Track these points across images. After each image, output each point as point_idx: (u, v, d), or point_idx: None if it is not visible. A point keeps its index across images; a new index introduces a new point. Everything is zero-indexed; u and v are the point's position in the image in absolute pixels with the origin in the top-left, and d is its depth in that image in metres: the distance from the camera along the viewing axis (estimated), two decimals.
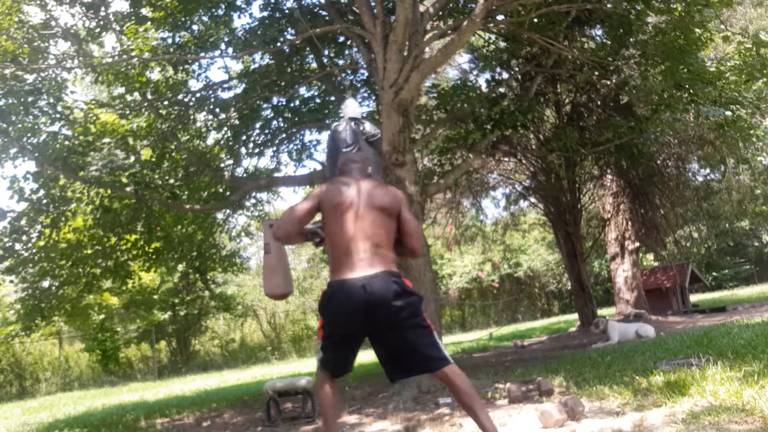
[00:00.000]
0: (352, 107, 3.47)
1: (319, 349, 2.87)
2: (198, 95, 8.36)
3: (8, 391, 15.83)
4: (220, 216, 9.70)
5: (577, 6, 6.63)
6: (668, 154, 12.11)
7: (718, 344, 5.92)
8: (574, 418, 3.56)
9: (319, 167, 8.68)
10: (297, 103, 8.76)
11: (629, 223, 14.29)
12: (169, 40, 7.81)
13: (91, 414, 8.25)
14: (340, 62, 8.98)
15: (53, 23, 7.03)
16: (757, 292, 20.47)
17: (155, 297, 18.82)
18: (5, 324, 13.77)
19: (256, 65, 8.75)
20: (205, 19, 8.10)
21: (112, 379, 16.79)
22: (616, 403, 3.91)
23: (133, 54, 6.71)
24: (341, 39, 8.50)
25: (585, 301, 12.77)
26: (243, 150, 8.73)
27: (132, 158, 7.66)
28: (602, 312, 15.59)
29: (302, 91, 8.93)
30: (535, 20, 6.81)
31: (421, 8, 6.65)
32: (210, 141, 9.35)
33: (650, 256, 23.97)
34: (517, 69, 8.96)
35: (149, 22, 7.12)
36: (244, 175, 8.88)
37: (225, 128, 8.64)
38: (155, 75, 8.15)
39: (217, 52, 8.15)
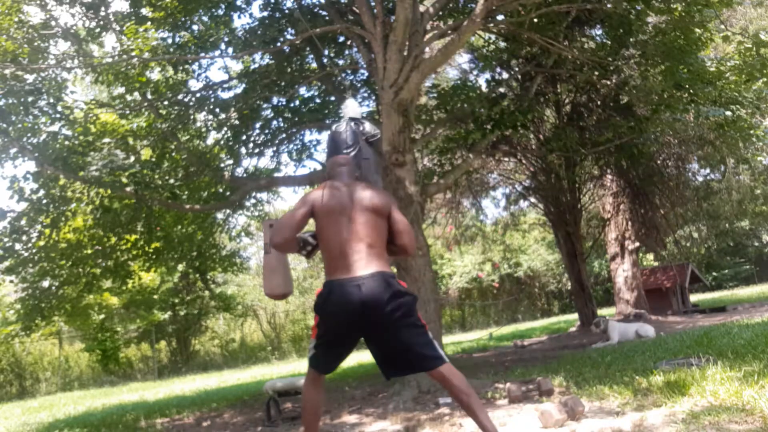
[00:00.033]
0: (352, 107, 3.46)
1: (312, 347, 2.90)
2: (198, 95, 8.35)
3: (8, 391, 15.83)
4: (220, 216, 9.70)
5: (577, 6, 6.63)
6: (668, 154, 12.11)
7: (718, 344, 5.92)
8: (574, 418, 3.56)
9: (319, 167, 8.68)
10: (297, 103, 8.76)
11: (629, 223, 14.30)
12: (169, 40, 7.81)
13: (91, 414, 8.25)
14: (340, 62, 8.98)
15: (53, 23, 7.03)
16: (757, 292, 20.48)
17: (155, 297, 18.82)
18: (5, 324, 13.77)
19: (256, 65, 8.75)
20: (205, 19, 8.10)
21: (112, 379, 16.79)
22: (616, 403, 3.92)
23: (133, 54, 6.70)
24: (341, 39, 8.49)
25: (585, 301, 12.77)
26: (243, 150, 8.73)
27: (132, 158, 7.66)
28: (602, 312, 15.60)
29: (302, 91, 8.93)
30: (535, 20, 6.80)
31: (421, 8, 6.65)
32: (210, 141, 9.35)
33: (650, 256, 23.97)
34: (517, 69, 8.95)
35: (149, 22, 7.11)
36: (244, 175, 8.88)
37: (225, 128, 8.63)
38: (155, 75, 8.15)
39: (217, 52, 8.15)
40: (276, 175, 9.28)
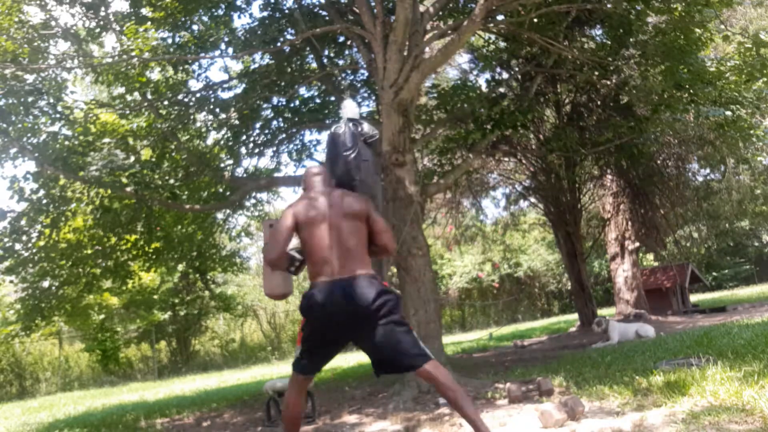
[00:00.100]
0: (350, 108, 3.46)
1: (299, 349, 2.98)
2: (198, 95, 8.35)
3: (8, 391, 15.83)
4: (220, 216, 9.70)
5: (577, 6, 6.63)
6: (668, 154, 12.11)
7: (718, 344, 5.92)
8: (574, 418, 3.56)
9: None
10: (297, 103, 8.76)
11: (629, 223, 14.29)
12: (169, 40, 7.81)
13: (91, 414, 8.25)
14: (340, 62, 8.98)
15: (53, 23, 7.02)
16: (757, 292, 20.47)
17: (155, 297, 18.82)
18: (5, 324, 13.76)
19: (256, 65, 8.75)
20: (205, 19, 8.10)
21: (112, 379, 16.79)
22: (616, 403, 3.92)
23: (133, 54, 6.70)
24: (341, 39, 8.49)
25: (585, 301, 12.78)
26: (243, 150, 8.73)
27: (132, 158, 7.66)
28: (602, 312, 15.60)
29: (302, 91, 8.94)
30: (535, 20, 6.80)
31: (421, 8, 6.65)
32: (210, 141, 9.35)
33: (650, 256, 23.96)
34: (517, 69, 8.95)
35: (149, 22, 7.11)
36: (244, 175, 8.88)
37: (225, 128, 8.64)
38: (155, 75, 8.15)
39: (217, 52, 8.15)
40: (276, 175, 9.29)
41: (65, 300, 8.78)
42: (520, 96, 8.24)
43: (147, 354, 19.41)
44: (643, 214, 13.00)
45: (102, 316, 17.35)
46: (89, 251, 8.38)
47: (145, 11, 7.27)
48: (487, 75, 9.48)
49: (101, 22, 7.43)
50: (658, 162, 11.95)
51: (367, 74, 8.43)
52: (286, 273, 3.25)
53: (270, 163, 9.42)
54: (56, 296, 8.50)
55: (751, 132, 7.93)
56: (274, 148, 9.15)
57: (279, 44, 7.91)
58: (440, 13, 7.65)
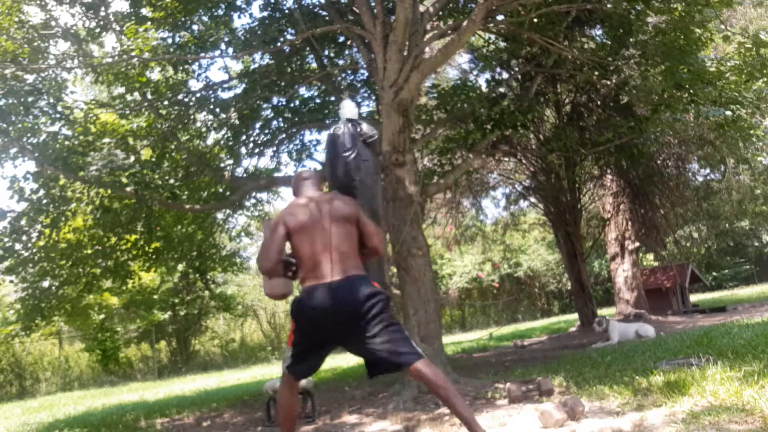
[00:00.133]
0: (348, 108, 3.47)
1: (290, 352, 3.03)
2: (198, 95, 8.35)
3: (8, 391, 15.83)
4: (220, 216, 9.70)
5: (577, 6, 6.63)
6: (668, 154, 12.11)
7: (718, 344, 5.92)
8: (574, 418, 3.56)
9: (319, 167, 8.68)
10: (297, 103, 8.76)
11: (629, 223, 14.29)
12: (169, 40, 7.81)
13: (91, 414, 8.25)
14: (340, 62, 8.98)
15: (53, 23, 7.02)
16: (757, 292, 20.47)
17: (155, 297, 18.82)
18: (5, 324, 13.76)
19: (256, 65, 8.74)
20: (205, 19, 8.09)
21: (112, 379, 16.79)
22: (616, 403, 3.92)
23: (133, 54, 6.70)
24: (341, 39, 8.49)
25: (585, 301, 12.77)
26: (243, 150, 8.73)
27: (132, 158, 7.66)
28: (602, 312, 15.59)
29: (302, 91, 8.94)
30: (535, 20, 6.80)
31: (421, 8, 6.65)
32: (210, 141, 9.35)
33: (650, 256, 23.95)
34: (517, 69, 8.95)
35: (149, 22, 7.11)
36: (244, 175, 8.88)
37: (225, 128, 8.64)
38: (155, 75, 8.15)
39: (217, 52, 8.15)
40: (276, 175, 9.28)
41: (65, 300, 8.78)
42: (520, 96, 8.24)
43: (147, 354, 19.41)
44: (643, 214, 13.00)
45: (102, 316, 17.35)
46: (89, 251, 8.38)
47: (145, 11, 7.27)
48: (487, 75, 9.49)
49: (101, 22, 7.42)
50: (658, 162, 11.94)
51: (367, 74, 8.43)
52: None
53: (270, 163, 9.44)
54: (56, 296, 8.50)
55: (751, 132, 7.93)
56: (274, 148, 9.15)
57: (279, 44, 7.91)
58: (440, 13, 7.65)
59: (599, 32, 8.72)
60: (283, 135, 8.97)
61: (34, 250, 7.85)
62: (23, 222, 7.67)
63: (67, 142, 7.41)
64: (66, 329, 17.48)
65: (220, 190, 8.81)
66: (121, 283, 9.29)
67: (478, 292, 27.18)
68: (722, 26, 7.76)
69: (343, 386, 7.26)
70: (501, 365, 7.86)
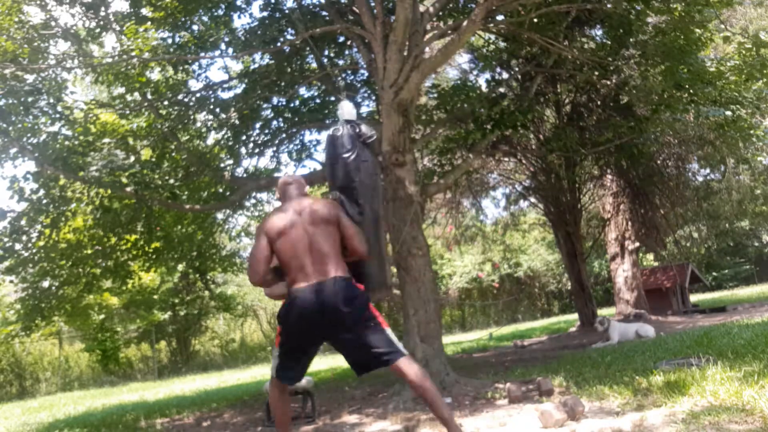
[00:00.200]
0: (347, 109, 3.48)
1: (276, 355, 3.07)
2: (198, 95, 8.35)
3: (8, 391, 15.83)
4: (220, 216, 9.70)
5: (577, 6, 6.63)
6: (668, 154, 12.11)
7: (718, 344, 5.92)
8: (574, 418, 3.56)
9: (319, 167, 8.68)
10: (297, 103, 8.76)
11: (629, 223, 14.29)
12: (169, 40, 7.80)
13: (91, 414, 8.25)
14: (340, 62, 8.98)
15: (53, 23, 7.02)
16: (757, 292, 20.47)
17: (155, 297, 18.82)
18: (5, 324, 13.75)
19: (256, 65, 8.74)
20: (205, 19, 8.09)
21: (112, 379, 16.79)
22: (616, 403, 3.92)
23: (133, 54, 6.69)
24: (341, 39, 8.49)
25: (585, 301, 12.77)
26: (243, 150, 8.73)
27: (132, 158, 7.65)
28: (602, 312, 15.59)
29: (302, 91, 8.93)
30: (535, 20, 6.79)
31: (421, 8, 6.65)
32: (210, 141, 9.35)
33: (650, 256, 23.96)
34: (517, 69, 8.95)
35: (149, 22, 7.11)
36: (244, 175, 8.87)
37: (225, 128, 8.63)
38: (155, 75, 8.14)
39: (217, 52, 8.15)
40: (276, 175, 9.27)
41: (65, 300, 8.78)
42: (520, 96, 8.23)
43: (147, 354, 19.41)
44: (643, 214, 13.00)
45: (102, 316, 17.35)
46: (89, 251, 8.38)
47: (145, 11, 7.27)
48: (487, 75, 9.48)
49: (101, 22, 7.42)
50: (658, 162, 11.94)
51: (367, 74, 8.43)
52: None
53: (270, 163, 9.43)
54: (56, 296, 8.50)
55: (751, 132, 7.92)
56: (274, 148, 9.15)
57: (279, 44, 7.91)
58: (440, 13, 7.64)
59: (599, 32, 8.72)
60: (283, 135, 8.96)
61: (34, 250, 7.84)
62: (23, 222, 7.66)
63: (67, 142, 7.40)
64: (66, 329, 17.48)
65: (220, 190, 8.81)
66: (121, 283, 9.28)
67: (478, 292, 27.18)
68: (722, 26, 7.76)
69: (343, 386, 7.27)
70: (501, 365, 7.86)
